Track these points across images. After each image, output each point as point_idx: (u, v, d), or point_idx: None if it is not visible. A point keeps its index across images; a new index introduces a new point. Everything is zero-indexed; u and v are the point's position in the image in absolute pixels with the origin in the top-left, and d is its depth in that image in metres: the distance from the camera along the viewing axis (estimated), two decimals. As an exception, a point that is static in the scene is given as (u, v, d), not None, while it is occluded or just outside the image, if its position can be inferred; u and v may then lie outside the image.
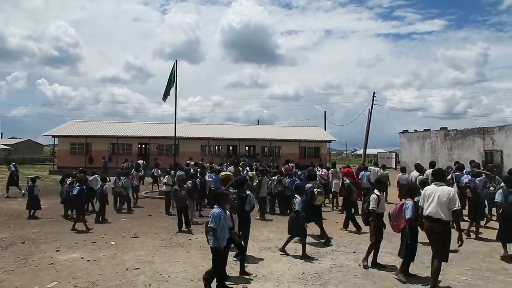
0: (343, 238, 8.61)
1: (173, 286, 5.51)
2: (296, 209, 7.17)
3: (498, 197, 7.24)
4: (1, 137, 72.65)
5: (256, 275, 5.97)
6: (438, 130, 26.64)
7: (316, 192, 8.18)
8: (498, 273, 6.18)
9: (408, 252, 5.83)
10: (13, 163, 17.23)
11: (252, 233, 8.72)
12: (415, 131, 30.09)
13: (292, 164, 17.19)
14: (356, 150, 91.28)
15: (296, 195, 7.48)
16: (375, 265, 6.43)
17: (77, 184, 10.11)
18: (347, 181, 11.14)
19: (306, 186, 8.47)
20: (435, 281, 5.33)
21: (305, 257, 6.95)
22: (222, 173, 10.54)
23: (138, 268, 6.28)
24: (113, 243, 8.08)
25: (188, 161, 19.28)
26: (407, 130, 31.62)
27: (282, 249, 7.27)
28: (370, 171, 14.85)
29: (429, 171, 10.52)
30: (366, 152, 41.98)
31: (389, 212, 6.17)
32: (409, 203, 5.81)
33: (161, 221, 10.74)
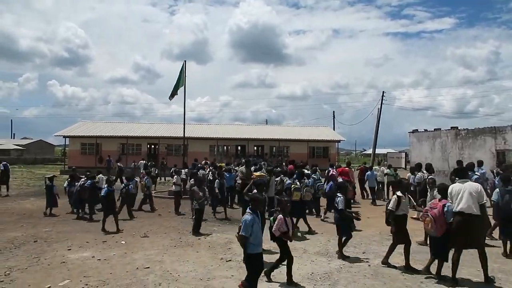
0: (352, 239, 8.53)
1: (182, 285, 5.55)
2: (339, 208, 6.91)
3: (494, 196, 7.27)
4: (14, 138, 73.81)
5: (264, 275, 5.96)
6: (448, 129, 26.28)
7: (293, 188, 9.05)
8: (510, 274, 6.08)
9: (446, 252, 5.77)
10: (4, 162, 17.17)
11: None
12: (425, 130, 29.75)
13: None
14: (365, 150, 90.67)
15: (338, 194, 7.19)
16: (384, 263, 6.41)
17: (106, 185, 9.93)
18: (341, 180, 11.39)
19: (286, 182, 9.49)
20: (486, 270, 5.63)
21: (343, 257, 6.89)
22: (256, 174, 10.31)
23: (148, 267, 6.34)
24: (123, 242, 8.16)
25: (203, 161, 19.22)
26: (417, 130, 31.24)
27: (340, 254, 6.99)
28: (376, 171, 15.26)
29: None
30: (376, 152, 41.64)
31: (431, 215, 5.76)
32: (450, 205, 5.74)
33: (170, 221, 10.81)
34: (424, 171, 11.42)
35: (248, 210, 5.10)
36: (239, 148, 33.91)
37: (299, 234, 8.69)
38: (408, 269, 6.20)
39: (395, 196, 6.39)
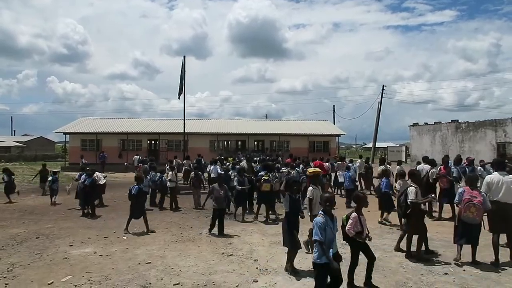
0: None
1: (184, 280, 5.58)
2: (411, 199, 6.76)
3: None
4: (14, 135, 73.88)
5: (266, 269, 6.01)
6: (449, 122, 26.29)
7: (262, 180, 9.98)
8: (511, 266, 6.11)
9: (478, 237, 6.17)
10: None
11: (262, 227, 8.80)
12: (426, 124, 29.74)
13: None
14: (365, 144, 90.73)
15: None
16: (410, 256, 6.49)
17: (136, 183, 9.18)
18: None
19: (259, 174, 10.41)
20: None
21: (400, 250, 6.91)
22: (310, 170, 9.84)
23: (149, 262, 6.37)
24: (125, 238, 8.20)
25: (198, 157, 19.27)
26: (417, 123, 31.24)
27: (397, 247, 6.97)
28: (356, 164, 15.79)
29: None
30: (376, 146, 41.65)
31: (473, 201, 5.99)
32: (484, 194, 6.20)
33: (171, 216, 10.85)
34: (424, 164, 11.42)
35: (320, 212, 4.64)
36: (239, 143, 33.93)
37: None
38: (420, 258, 6.35)
39: (412, 187, 6.55)
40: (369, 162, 16.73)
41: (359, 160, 17.14)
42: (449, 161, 11.03)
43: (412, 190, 6.51)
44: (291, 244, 5.95)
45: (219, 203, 8.52)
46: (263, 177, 10.06)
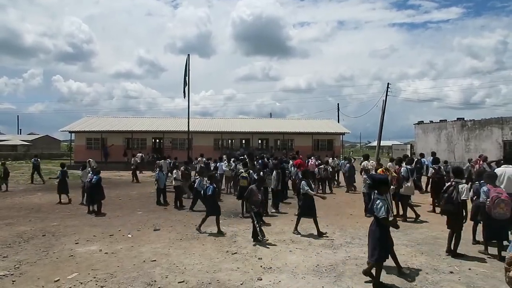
0: (358, 231, 8.58)
1: (189, 277, 5.60)
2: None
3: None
4: (20, 133, 74.47)
5: (270, 267, 6.01)
6: (454, 120, 26.10)
7: (240, 176, 10.91)
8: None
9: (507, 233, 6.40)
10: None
11: (265, 225, 8.79)
12: (431, 122, 29.55)
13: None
14: (370, 142, 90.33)
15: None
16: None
17: (208, 181, 9.07)
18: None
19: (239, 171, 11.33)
20: None
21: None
22: (380, 170, 10.23)
23: (154, 260, 6.40)
24: (130, 236, 8.24)
25: (199, 158, 19.09)
26: (422, 121, 31.04)
27: (453, 252, 6.61)
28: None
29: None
30: (381, 144, 41.44)
31: (501, 197, 6.17)
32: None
33: (176, 214, 10.89)
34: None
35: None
36: (243, 141, 33.95)
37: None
38: (456, 255, 6.45)
39: (465, 185, 6.54)
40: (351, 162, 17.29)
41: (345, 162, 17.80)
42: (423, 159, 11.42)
43: (466, 187, 6.46)
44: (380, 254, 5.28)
45: (257, 206, 7.96)
46: (242, 174, 10.81)
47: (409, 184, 9.75)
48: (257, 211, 7.89)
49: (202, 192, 9.37)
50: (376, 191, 5.43)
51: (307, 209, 8.16)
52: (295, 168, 13.36)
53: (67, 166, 14.35)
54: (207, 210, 8.75)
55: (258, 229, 7.51)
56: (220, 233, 8.28)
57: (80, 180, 13.46)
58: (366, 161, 12.95)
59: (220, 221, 8.57)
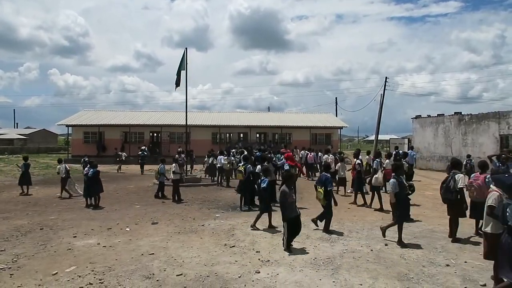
0: (355, 224, 8.63)
1: (187, 270, 5.62)
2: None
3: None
4: (17, 127, 74.12)
5: (268, 260, 6.04)
6: (452, 115, 26.12)
7: (236, 170, 11.79)
8: None
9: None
10: None
11: (264, 218, 8.79)
12: (428, 116, 29.58)
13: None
14: (367, 136, 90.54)
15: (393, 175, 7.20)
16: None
17: (263, 175, 8.84)
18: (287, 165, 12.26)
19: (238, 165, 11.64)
20: None
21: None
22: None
23: (152, 254, 6.42)
24: (128, 229, 8.25)
25: (179, 149, 19.26)
26: (420, 115, 31.05)
27: (454, 237, 7.18)
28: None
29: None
30: (378, 138, 41.51)
31: (476, 185, 6.82)
32: (489, 177, 6.56)
33: (174, 208, 10.90)
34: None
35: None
36: (241, 135, 33.93)
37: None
38: (455, 240, 7.02)
39: (461, 175, 7.04)
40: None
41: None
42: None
43: (462, 177, 6.99)
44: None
45: (292, 211, 6.74)
46: (238, 168, 11.19)
47: (377, 175, 10.73)
48: (295, 215, 6.74)
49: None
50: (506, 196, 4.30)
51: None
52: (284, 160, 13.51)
53: (64, 161, 14.32)
54: (260, 207, 8.44)
55: (285, 240, 6.62)
56: (271, 227, 8.13)
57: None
58: (326, 155, 14.70)
59: (272, 216, 8.29)
